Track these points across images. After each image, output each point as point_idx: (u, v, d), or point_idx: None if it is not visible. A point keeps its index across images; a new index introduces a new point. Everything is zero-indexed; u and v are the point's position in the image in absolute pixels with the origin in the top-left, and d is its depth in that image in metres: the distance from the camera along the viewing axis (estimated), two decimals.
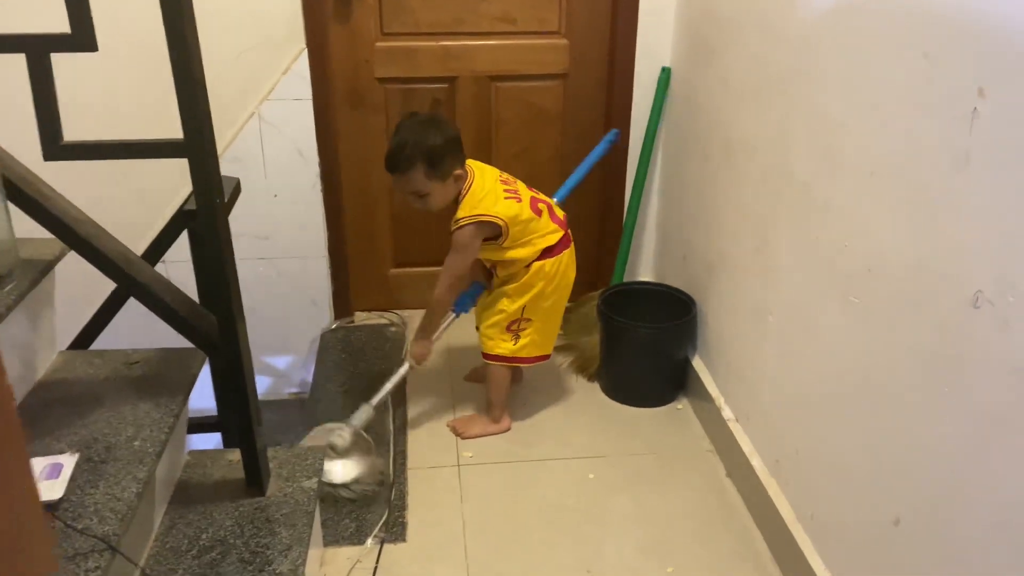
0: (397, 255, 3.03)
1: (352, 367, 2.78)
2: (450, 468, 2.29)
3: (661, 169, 2.83)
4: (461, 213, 2.17)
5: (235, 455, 1.84)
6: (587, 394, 2.62)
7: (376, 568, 1.95)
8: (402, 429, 2.44)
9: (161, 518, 1.68)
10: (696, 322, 2.52)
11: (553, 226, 2.27)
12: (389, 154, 2.12)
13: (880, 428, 1.54)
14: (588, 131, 2.85)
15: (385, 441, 2.39)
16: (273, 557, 1.60)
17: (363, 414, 2.28)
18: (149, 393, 1.68)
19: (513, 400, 2.50)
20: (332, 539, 2.03)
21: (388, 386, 2.33)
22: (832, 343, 1.71)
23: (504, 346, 2.33)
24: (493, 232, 2.19)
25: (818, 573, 1.77)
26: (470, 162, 2.22)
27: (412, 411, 2.52)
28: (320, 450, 1.91)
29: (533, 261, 2.25)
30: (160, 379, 1.73)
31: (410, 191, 2.14)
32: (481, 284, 2.40)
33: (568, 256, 2.32)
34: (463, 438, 2.41)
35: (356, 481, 2.17)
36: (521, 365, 2.44)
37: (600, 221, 2.98)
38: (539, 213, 2.24)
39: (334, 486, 2.14)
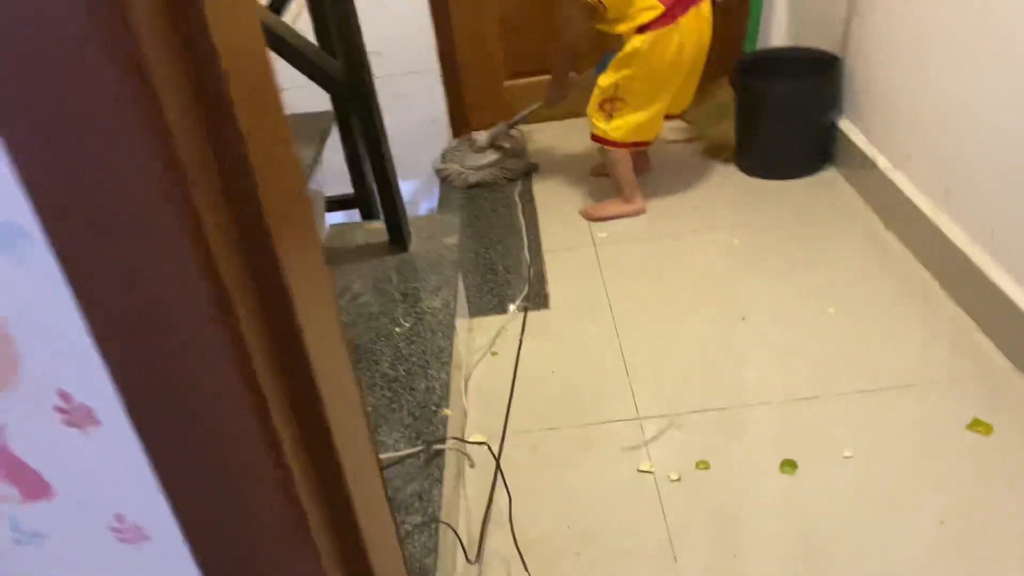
0: (509, 64, 2.91)
1: (473, 206, 2.62)
2: (586, 248, 2.22)
3: None
4: None
5: (375, 224, 1.83)
6: (725, 174, 2.48)
7: (524, 330, 1.93)
8: (533, 223, 2.38)
9: None
10: (841, 79, 2.31)
11: (652, 1, 2.09)
12: None
13: None
14: None
15: (517, 229, 2.35)
16: (424, 296, 1.59)
17: (495, 129, 2.51)
18: None
19: (644, 187, 2.38)
20: (477, 311, 2.02)
21: (519, 115, 2.57)
22: (989, 81, 1.50)
23: (599, 125, 2.24)
24: (591, 7, 2.08)
25: (1003, 286, 1.62)
26: None
27: (541, 205, 2.45)
28: (456, 221, 1.88)
29: (632, 37, 2.10)
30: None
31: None
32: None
33: (667, 35, 2.09)
34: (596, 218, 2.33)
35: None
36: (616, 148, 2.29)
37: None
38: None
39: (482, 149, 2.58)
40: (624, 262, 2.14)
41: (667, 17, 2.10)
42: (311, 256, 0.59)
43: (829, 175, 2.37)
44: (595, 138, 2.29)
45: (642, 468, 1.52)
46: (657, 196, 2.39)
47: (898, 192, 2.01)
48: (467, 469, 1.56)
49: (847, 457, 1.48)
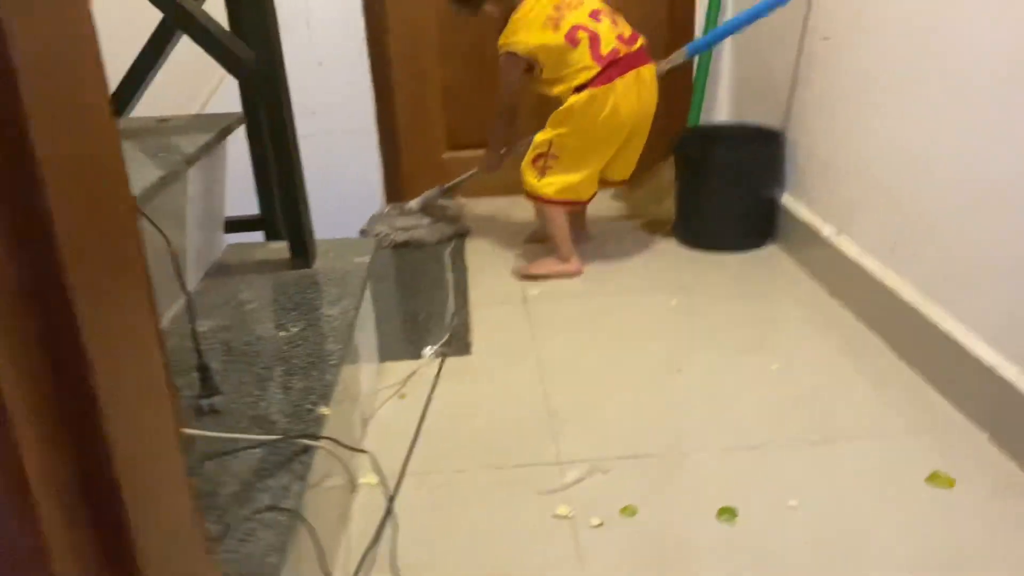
0: (451, 135, 2.85)
1: (401, 261, 2.49)
2: (516, 304, 2.06)
3: (734, 12, 2.61)
4: (500, 39, 2.08)
5: (279, 244, 1.66)
6: (664, 246, 2.38)
7: (439, 373, 1.72)
8: (462, 279, 2.23)
9: (193, 285, 1.50)
10: (783, 153, 2.27)
11: (589, 61, 2.04)
12: None
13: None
14: None
15: (443, 284, 2.19)
16: (321, 305, 1.40)
17: (428, 193, 2.40)
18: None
19: (582, 253, 2.26)
20: (388, 356, 1.82)
21: (454, 181, 2.47)
22: (936, 120, 1.46)
23: (531, 181, 2.16)
24: (527, 63, 2.08)
25: (956, 335, 1.49)
26: None
27: (473, 265, 2.31)
28: (371, 241, 1.72)
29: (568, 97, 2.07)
30: (193, 133, 1.55)
31: None
32: None
33: (602, 94, 2.03)
34: (530, 275, 2.18)
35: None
36: (549, 206, 2.18)
37: (667, 75, 2.74)
38: (575, 43, 2.02)
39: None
40: (556, 317, 1.98)
41: (603, 77, 2.04)
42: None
43: (771, 250, 2.28)
44: (526, 194, 2.20)
45: (559, 513, 1.30)
46: (594, 261, 2.27)
47: (843, 258, 1.92)
48: (354, 508, 1.32)
49: (792, 507, 1.28)
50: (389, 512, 1.30)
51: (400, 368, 1.76)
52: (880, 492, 1.31)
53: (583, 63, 2.03)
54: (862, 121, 1.84)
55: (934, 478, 1.33)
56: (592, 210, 2.51)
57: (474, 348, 1.84)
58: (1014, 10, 1.32)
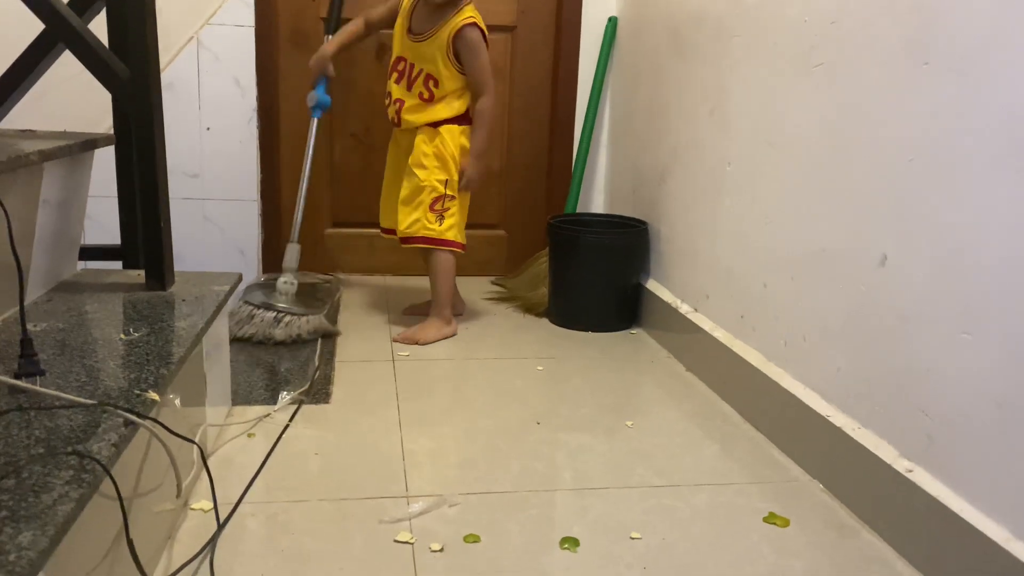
0: (335, 213, 2.88)
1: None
2: (384, 362, 2.04)
3: (610, 114, 2.81)
4: (469, 12, 2.07)
5: (136, 271, 1.62)
6: (536, 323, 2.43)
7: (294, 416, 1.67)
8: (331, 340, 2.19)
9: (36, 296, 1.43)
10: (647, 242, 2.40)
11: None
12: None
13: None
14: (536, 83, 2.84)
15: (312, 342, 2.15)
16: (166, 318, 1.36)
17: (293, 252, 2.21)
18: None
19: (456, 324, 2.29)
20: (242, 401, 1.75)
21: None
22: (771, 203, 1.62)
23: (432, 227, 2.14)
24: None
25: (797, 393, 1.58)
26: None
27: (345, 324, 2.28)
28: (233, 275, 1.69)
29: (452, 122, 2.13)
30: (55, 140, 1.52)
31: None
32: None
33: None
34: (417, 341, 2.16)
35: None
36: (445, 255, 2.20)
37: (549, 170, 2.89)
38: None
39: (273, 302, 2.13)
40: (422, 375, 1.97)
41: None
42: None
43: (636, 333, 2.37)
44: (428, 241, 2.16)
45: (400, 539, 1.25)
46: (467, 331, 2.29)
47: (698, 330, 2.02)
48: (182, 532, 1.23)
49: (635, 538, 1.29)
50: (219, 531, 1.22)
51: (252, 411, 1.70)
52: (719, 528, 1.33)
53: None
54: (713, 210, 1.99)
55: (771, 518, 1.37)
56: (469, 293, 2.56)
57: (334, 399, 1.80)
58: (829, 106, 1.49)
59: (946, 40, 1.21)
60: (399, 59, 2.17)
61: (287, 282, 2.23)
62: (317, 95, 2.30)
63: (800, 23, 1.60)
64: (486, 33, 2.12)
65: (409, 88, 2.15)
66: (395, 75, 2.18)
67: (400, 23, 2.17)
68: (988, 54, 1.14)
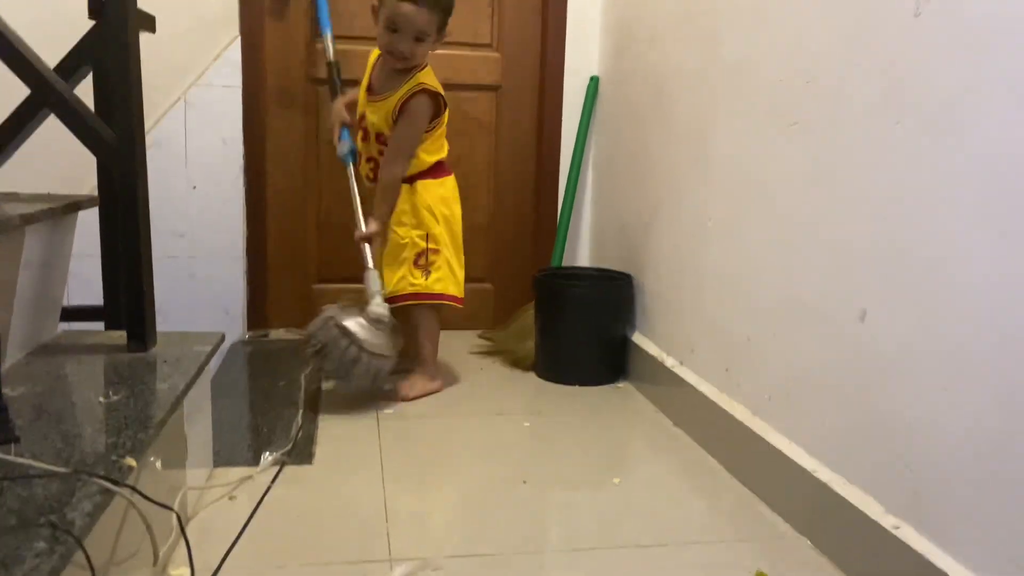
0: (322, 269, 2.88)
1: (254, 382, 2.38)
2: (368, 420, 2.02)
3: (594, 169, 2.85)
4: (423, 78, 2.06)
5: (117, 332, 1.61)
6: (523, 378, 2.43)
7: (276, 478, 1.65)
8: (315, 398, 2.17)
9: (15, 359, 1.42)
10: (633, 294, 2.41)
11: (445, 138, 2.21)
12: None
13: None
14: (521, 140, 2.88)
15: (294, 402, 2.13)
16: (147, 380, 1.35)
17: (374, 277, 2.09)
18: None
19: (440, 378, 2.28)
20: (223, 462, 1.73)
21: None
22: (755, 256, 1.64)
23: (418, 283, 2.11)
24: (435, 112, 2.10)
25: (781, 448, 1.57)
26: None
27: (328, 386, 2.26)
28: (216, 334, 1.68)
29: (425, 176, 2.14)
30: (38, 203, 1.53)
31: (414, 28, 1.99)
32: None
33: (454, 182, 2.22)
34: (406, 398, 2.14)
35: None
36: (430, 311, 2.18)
37: (535, 224, 2.92)
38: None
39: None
40: (406, 433, 1.95)
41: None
42: None
43: (623, 385, 2.37)
44: (414, 296, 2.12)
45: None
46: (452, 386, 2.28)
47: (684, 384, 2.02)
48: None
49: None
50: None
51: (234, 473, 1.67)
52: None
53: (444, 134, 2.17)
54: (697, 264, 2.00)
55: (758, 574, 1.35)
56: (456, 347, 2.56)
57: (317, 459, 1.78)
58: (807, 162, 1.52)
59: (915, 99, 1.24)
60: (362, 116, 2.18)
61: (379, 304, 2.06)
62: (346, 143, 2.26)
63: (776, 83, 1.64)
64: (442, 94, 2.10)
65: (372, 146, 2.16)
66: (361, 132, 2.20)
67: (365, 80, 2.18)
68: (957, 109, 1.16)
